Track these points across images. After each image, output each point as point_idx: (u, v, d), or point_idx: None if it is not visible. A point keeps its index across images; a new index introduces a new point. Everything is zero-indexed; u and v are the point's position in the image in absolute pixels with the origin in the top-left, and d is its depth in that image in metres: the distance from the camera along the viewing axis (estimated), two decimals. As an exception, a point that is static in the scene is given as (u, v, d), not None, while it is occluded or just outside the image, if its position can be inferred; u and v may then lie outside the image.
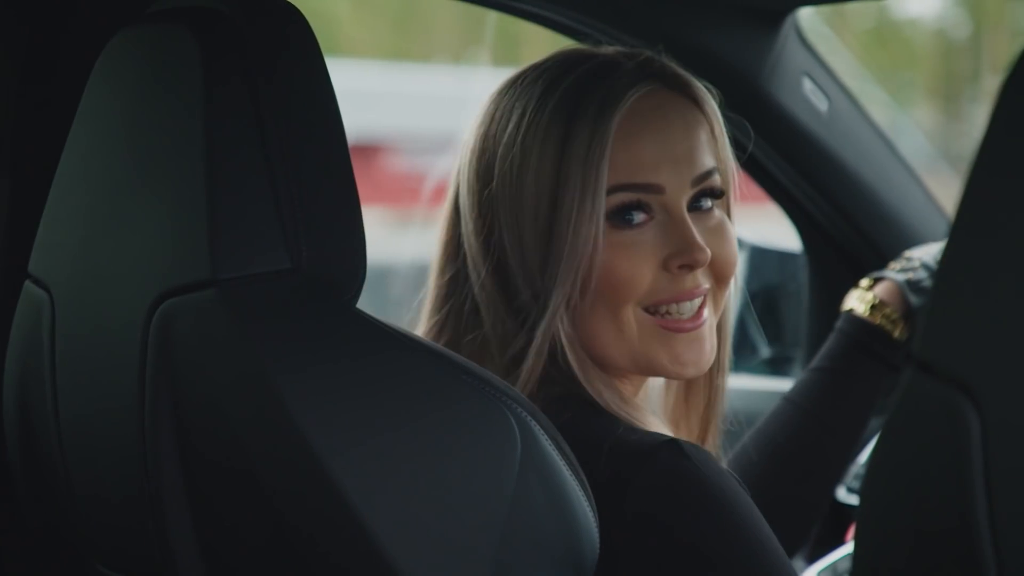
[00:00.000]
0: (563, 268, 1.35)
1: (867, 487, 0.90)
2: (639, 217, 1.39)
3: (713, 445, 1.55)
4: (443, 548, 1.15)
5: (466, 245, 1.44)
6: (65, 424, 1.32)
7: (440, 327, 1.47)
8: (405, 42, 9.66)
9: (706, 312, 1.41)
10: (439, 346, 1.25)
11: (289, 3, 1.24)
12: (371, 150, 7.34)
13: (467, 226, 1.44)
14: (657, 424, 1.41)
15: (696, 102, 1.44)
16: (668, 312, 1.40)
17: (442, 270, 1.48)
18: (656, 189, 1.39)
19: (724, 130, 1.46)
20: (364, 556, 1.13)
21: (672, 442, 1.29)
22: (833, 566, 1.74)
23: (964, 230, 0.82)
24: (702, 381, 1.53)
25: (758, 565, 1.26)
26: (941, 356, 0.83)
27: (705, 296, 1.41)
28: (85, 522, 1.34)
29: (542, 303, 1.37)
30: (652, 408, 1.55)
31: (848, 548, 1.75)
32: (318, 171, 1.21)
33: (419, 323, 1.50)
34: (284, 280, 1.19)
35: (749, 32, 1.97)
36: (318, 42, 1.23)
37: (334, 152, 1.22)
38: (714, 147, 1.44)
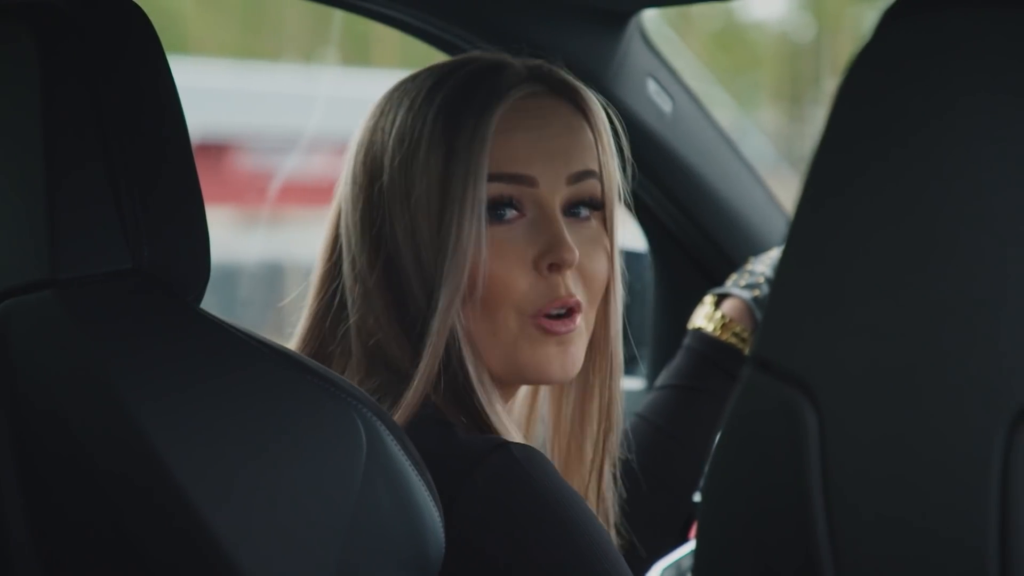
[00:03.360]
0: (451, 262, 1.35)
1: (708, 485, 0.90)
2: (510, 214, 1.38)
3: (611, 467, 1.55)
4: (286, 549, 1.14)
5: (344, 239, 1.44)
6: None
7: (313, 321, 1.46)
8: (253, 40, 9.59)
9: (578, 320, 1.41)
10: (283, 346, 1.24)
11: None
12: (218, 149, 7.27)
13: (348, 219, 1.43)
14: (517, 437, 1.40)
15: (582, 110, 1.44)
16: (541, 315, 1.39)
17: (321, 265, 1.47)
18: (528, 181, 1.39)
19: (611, 142, 1.46)
20: (205, 556, 1.12)
21: (503, 446, 1.29)
22: (677, 564, 1.76)
23: (801, 231, 0.83)
24: (597, 407, 1.52)
25: (589, 570, 1.26)
26: (779, 354, 0.84)
27: (578, 305, 1.41)
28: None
29: (435, 300, 1.36)
30: (541, 439, 1.56)
31: (692, 545, 1.77)
32: (160, 170, 1.20)
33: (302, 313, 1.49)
34: (124, 280, 1.17)
35: (593, 33, 1.98)
36: (159, 39, 1.22)
37: (176, 151, 1.21)
38: (597, 155, 1.44)
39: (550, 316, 1.39)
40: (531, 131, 1.40)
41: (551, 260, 1.38)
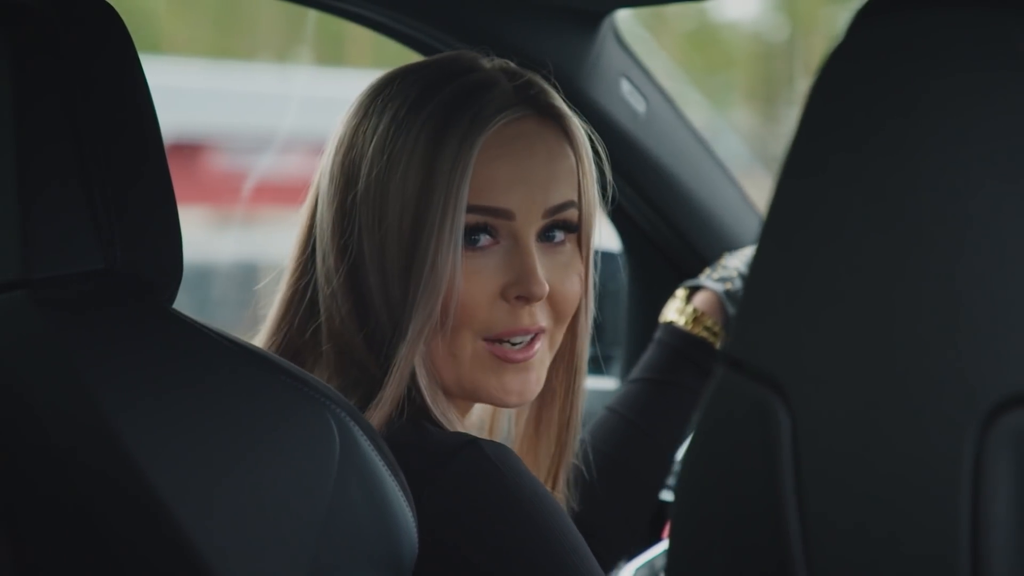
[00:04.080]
0: (424, 291, 1.34)
1: (681, 485, 0.91)
2: (484, 240, 1.38)
3: (566, 474, 1.55)
4: (259, 549, 1.14)
5: (317, 235, 1.43)
6: None
7: (284, 313, 1.46)
8: (227, 40, 9.57)
9: (538, 345, 1.41)
10: (257, 347, 1.24)
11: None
12: (192, 149, 7.25)
13: (323, 216, 1.42)
14: None
15: (567, 134, 1.43)
16: (500, 341, 1.39)
17: (297, 255, 1.46)
18: (505, 214, 1.37)
19: (592, 166, 1.45)
20: (178, 556, 1.12)
21: (473, 442, 1.29)
22: (650, 563, 1.76)
23: (773, 230, 0.83)
24: (555, 414, 1.53)
25: (559, 565, 1.26)
26: (751, 354, 0.84)
27: (541, 331, 1.41)
28: None
29: (402, 327, 1.35)
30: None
31: (665, 545, 1.77)
32: (133, 171, 1.19)
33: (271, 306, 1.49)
34: (98, 281, 1.17)
35: (567, 33, 1.98)
36: (132, 39, 1.22)
37: (149, 152, 1.21)
38: (577, 182, 1.43)
39: (510, 343, 1.39)
40: (514, 161, 1.38)
41: (519, 293, 1.37)
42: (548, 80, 1.45)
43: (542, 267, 1.39)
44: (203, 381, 1.16)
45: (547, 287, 1.38)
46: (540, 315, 1.40)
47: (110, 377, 1.14)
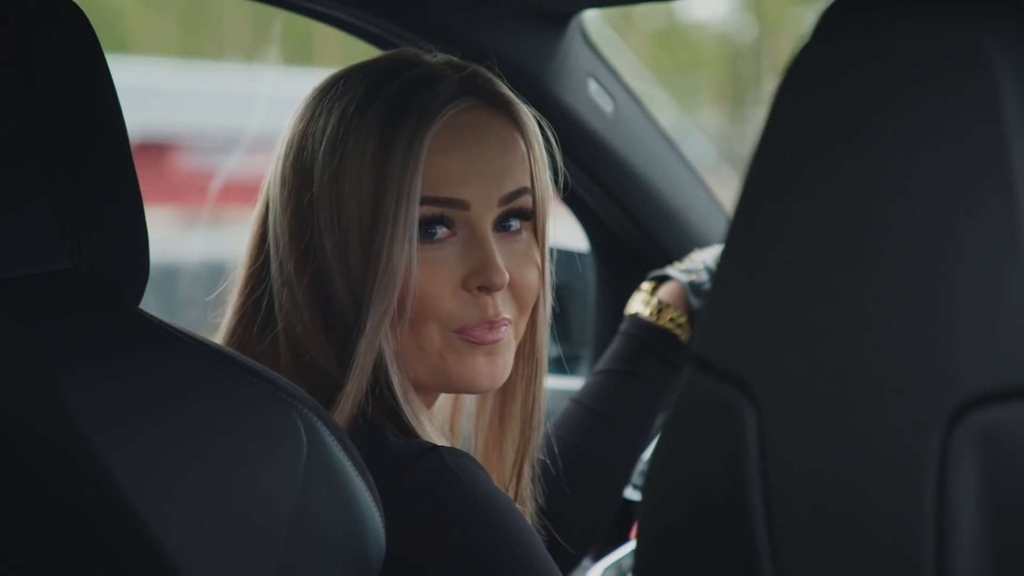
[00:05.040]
0: (380, 284, 1.34)
1: (648, 485, 0.91)
2: (441, 232, 1.38)
3: (530, 468, 1.55)
4: (226, 549, 1.14)
5: (272, 241, 1.42)
6: None
7: (239, 321, 1.45)
8: (194, 39, 9.56)
9: (504, 331, 1.41)
10: (223, 347, 1.23)
11: (67, -2, 1.21)
12: (159, 148, 7.23)
13: (277, 222, 1.42)
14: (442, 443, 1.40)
15: (516, 121, 1.43)
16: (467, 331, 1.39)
17: (249, 263, 1.46)
18: (461, 205, 1.38)
19: (543, 153, 1.45)
20: (144, 555, 1.12)
21: (434, 450, 1.30)
22: (618, 563, 1.76)
23: (739, 230, 0.84)
24: (520, 409, 1.52)
25: (519, 572, 1.26)
26: (718, 354, 0.84)
27: (505, 321, 1.41)
28: None
29: (363, 319, 1.35)
30: (464, 438, 1.56)
31: (633, 545, 1.77)
32: (98, 171, 1.19)
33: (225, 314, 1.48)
34: (63, 281, 1.16)
35: (534, 33, 1.98)
36: (98, 38, 1.21)
37: (115, 151, 1.20)
38: (530, 168, 1.43)
39: (477, 330, 1.39)
40: (465, 151, 1.38)
41: (480, 283, 1.38)
42: (492, 70, 1.45)
43: (501, 256, 1.39)
44: (170, 383, 1.16)
45: (507, 276, 1.39)
46: (503, 305, 1.40)
47: (75, 377, 1.13)
